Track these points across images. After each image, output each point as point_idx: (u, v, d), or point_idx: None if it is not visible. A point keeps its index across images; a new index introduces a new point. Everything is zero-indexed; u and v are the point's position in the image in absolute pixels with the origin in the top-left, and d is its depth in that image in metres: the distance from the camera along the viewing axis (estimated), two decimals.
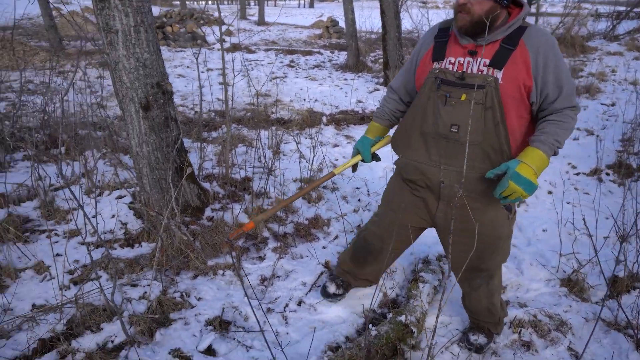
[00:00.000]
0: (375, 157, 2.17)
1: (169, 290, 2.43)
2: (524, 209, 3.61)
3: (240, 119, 5.48)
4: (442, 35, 1.79)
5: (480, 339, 2.20)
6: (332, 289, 2.47)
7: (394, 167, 2.11)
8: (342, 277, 2.48)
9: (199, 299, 2.46)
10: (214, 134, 5.00)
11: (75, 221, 2.35)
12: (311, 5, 39.51)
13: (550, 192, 3.95)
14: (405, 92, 2.04)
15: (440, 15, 14.12)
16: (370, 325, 2.31)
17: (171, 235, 2.65)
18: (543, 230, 3.31)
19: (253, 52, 11.95)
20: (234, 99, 5.34)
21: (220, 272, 2.71)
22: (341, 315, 2.45)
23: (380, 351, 2.13)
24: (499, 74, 1.62)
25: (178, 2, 22.91)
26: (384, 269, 2.43)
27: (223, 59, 3.22)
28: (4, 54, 7.29)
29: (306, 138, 5.05)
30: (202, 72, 9.07)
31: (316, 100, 6.86)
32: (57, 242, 2.74)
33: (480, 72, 1.65)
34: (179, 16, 15.99)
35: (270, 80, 7.99)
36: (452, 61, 1.72)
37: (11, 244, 2.58)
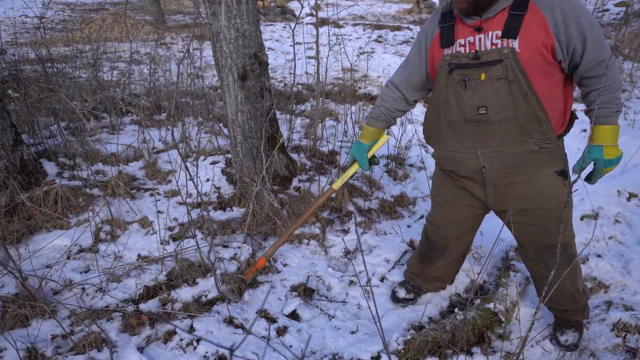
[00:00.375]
0: (373, 161, 2.10)
1: (257, 254, 2.53)
2: (635, 203, 3.26)
3: (328, 93, 5.49)
4: (447, 19, 1.69)
5: (570, 337, 2.03)
6: (402, 293, 2.34)
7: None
8: (411, 282, 2.36)
9: (284, 265, 2.54)
10: (302, 107, 5.06)
11: (177, 182, 2.51)
12: None
13: None
14: (408, 86, 1.92)
15: None
16: (456, 309, 2.25)
17: (261, 202, 2.74)
18: None
19: (341, 26, 11.84)
20: (322, 73, 5.36)
21: (305, 241, 2.77)
22: (426, 296, 2.40)
23: (465, 336, 2.07)
24: (514, 43, 1.52)
25: None
26: (456, 267, 2.30)
27: (317, 33, 3.21)
28: (115, 27, 7.92)
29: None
30: (291, 45, 9.20)
31: None
32: (158, 200, 2.96)
33: (494, 46, 1.56)
34: None
35: (357, 56, 7.89)
36: (462, 43, 1.63)
37: (121, 199, 2.83)
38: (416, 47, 1.84)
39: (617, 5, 11.45)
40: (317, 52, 3.26)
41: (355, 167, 2.08)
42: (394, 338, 2.06)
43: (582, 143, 4.24)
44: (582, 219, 2.99)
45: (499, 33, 1.55)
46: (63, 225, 2.64)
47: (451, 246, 2.13)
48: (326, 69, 4.55)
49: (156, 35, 7.38)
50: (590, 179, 1.68)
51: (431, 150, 3.41)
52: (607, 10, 11.07)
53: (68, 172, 3.05)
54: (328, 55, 4.42)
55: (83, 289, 2.19)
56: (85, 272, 2.34)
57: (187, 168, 1.83)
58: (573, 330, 2.04)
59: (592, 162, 1.63)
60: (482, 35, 1.58)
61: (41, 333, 1.90)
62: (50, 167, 3.01)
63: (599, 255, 2.66)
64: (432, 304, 2.35)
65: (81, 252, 2.45)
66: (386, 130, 2.12)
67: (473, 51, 1.60)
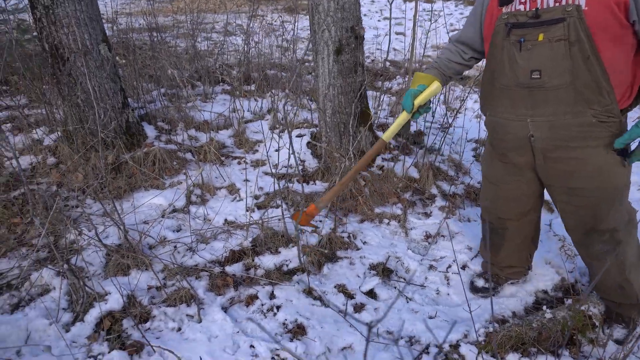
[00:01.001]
0: (424, 109, 1.86)
1: (337, 229, 2.54)
2: None
3: (416, 71, 5.30)
4: None
5: (616, 333, 1.86)
6: (480, 282, 2.23)
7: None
8: (488, 271, 2.24)
9: (364, 243, 2.53)
10: (388, 84, 4.94)
11: (267, 153, 2.57)
12: None
13: None
14: (463, 41, 1.80)
15: None
16: (544, 307, 2.11)
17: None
18: None
19: (432, 1, 11.32)
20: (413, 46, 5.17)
21: (386, 221, 2.73)
22: (510, 290, 2.28)
23: (553, 336, 1.94)
24: (580, 1, 1.39)
25: None
26: (527, 251, 2.13)
27: (416, 7, 3.07)
28: None
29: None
30: (379, 20, 8.97)
31: None
32: (245, 168, 3.06)
33: (557, 3, 1.43)
34: None
35: (447, 33, 7.52)
36: (523, 0, 1.50)
37: (212, 165, 2.97)
38: (475, 6, 1.75)
39: None
40: (414, 26, 3.13)
41: (403, 116, 1.88)
42: (475, 328, 1.98)
43: None
44: None
45: None
46: (159, 186, 2.82)
47: (510, 228, 1.99)
48: (414, 45, 4.37)
49: (248, 7, 7.55)
50: (629, 157, 1.52)
51: None
52: None
53: (165, 136, 3.24)
54: (420, 35, 4.24)
55: (175, 246, 2.34)
56: (177, 231, 2.49)
57: (291, 138, 1.85)
58: (622, 326, 1.87)
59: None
60: None
61: (139, 283, 2.06)
62: (150, 130, 3.23)
63: None
64: (516, 298, 2.23)
65: (174, 212, 2.61)
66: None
67: (534, 9, 1.48)
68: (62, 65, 2.74)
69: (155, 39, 4.37)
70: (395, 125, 1.89)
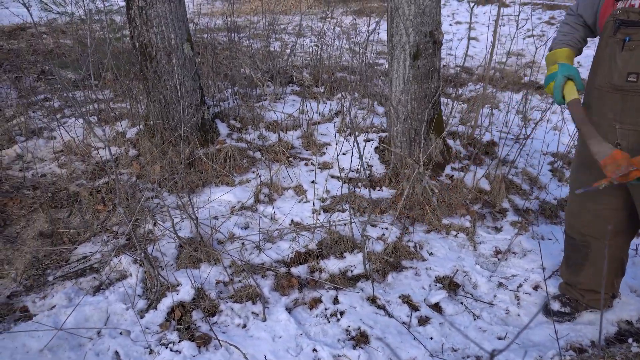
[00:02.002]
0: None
1: (403, 238, 2.49)
2: None
3: (490, 79, 5.10)
4: None
5: None
6: (556, 306, 2.08)
7: None
8: (567, 294, 2.08)
9: (430, 254, 2.46)
10: (459, 91, 4.79)
11: (337, 156, 2.56)
12: None
13: None
14: (590, 25, 1.64)
15: None
16: (629, 340, 1.94)
17: (414, 186, 2.68)
18: None
19: (507, 5, 10.84)
20: (493, 52, 4.98)
21: (454, 232, 2.64)
22: (588, 317, 2.12)
23: None
24: None
25: None
26: (613, 276, 1.95)
27: (499, 12, 2.94)
28: (282, 0, 8.39)
29: (564, 108, 4.39)
30: (450, 24, 8.73)
31: (580, 65, 5.86)
32: (312, 170, 3.08)
33: None
34: None
35: (523, 39, 7.16)
36: None
37: (280, 165, 3.02)
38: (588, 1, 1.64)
39: None
40: (496, 31, 3.00)
41: (571, 87, 1.60)
42: (549, 355, 1.87)
43: None
44: None
45: None
46: (229, 182, 2.91)
47: (594, 247, 1.85)
48: (494, 51, 4.21)
49: (319, 9, 7.62)
50: None
51: None
52: None
53: (236, 134, 3.34)
54: (492, 41, 4.06)
55: (243, 243, 2.40)
56: (245, 228, 2.56)
57: (356, 142, 1.84)
58: None
59: None
60: None
61: (209, 277, 2.14)
62: (222, 128, 3.34)
63: None
64: (595, 326, 2.07)
65: (243, 209, 2.68)
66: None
67: None
68: (149, 62, 2.90)
69: (233, 39, 4.52)
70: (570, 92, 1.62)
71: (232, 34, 4.49)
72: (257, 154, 3.19)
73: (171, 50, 2.89)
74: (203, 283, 2.08)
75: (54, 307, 1.97)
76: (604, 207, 1.76)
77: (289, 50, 4.88)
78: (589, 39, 1.74)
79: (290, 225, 2.57)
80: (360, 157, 2.13)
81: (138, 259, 2.07)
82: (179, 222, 2.42)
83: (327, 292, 2.11)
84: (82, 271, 2.20)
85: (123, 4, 2.86)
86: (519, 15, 3.59)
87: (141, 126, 3.19)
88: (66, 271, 2.17)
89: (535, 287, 2.32)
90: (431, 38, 2.64)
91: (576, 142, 3.26)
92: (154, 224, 2.39)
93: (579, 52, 1.73)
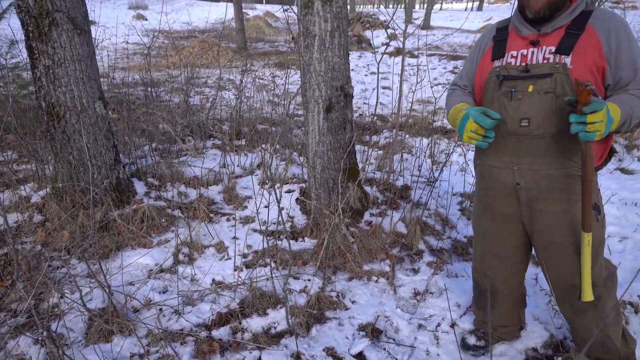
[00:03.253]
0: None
1: (326, 288, 2.52)
2: None
3: (403, 125, 5.45)
4: (501, 34, 1.72)
5: None
6: (472, 340, 2.21)
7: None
8: (481, 328, 2.23)
9: (353, 302, 2.50)
10: (375, 138, 5.06)
11: (257, 208, 2.58)
12: (479, 8, 37.44)
13: None
14: (470, 90, 1.87)
15: (638, 14, 12.09)
16: None
17: (334, 235, 2.75)
18: None
19: (416, 56, 11.82)
20: (400, 102, 5.35)
21: (375, 278, 2.72)
22: (500, 348, 2.25)
23: None
24: (567, 60, 1.53)
25: (348, 7, 23.85)
26: (518, 310, 2.14)
27: (403, 63, 3.21)
28: (202, 54, 8.49)
29: (469, 150, 4.79)
30: (366, 75, 9.30)
31: None
32: (234, 225, 3.06)
33: (546, 61, 1.57)
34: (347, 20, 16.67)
35: (432, 87, 7.80)
36: (515, 55, 1.64)
37: (200, 222, 2.97)
38: (469, 61, 1.85)
39: None
40: (401, 84, 3.26)
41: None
42: None
43: (619, 182, 3.88)
44: None
45: (553, 49, 1.57)
46: (146, 244, 2.80)
47: (499, 289, 2.00)
48: (401, 101, 4.54)
49: (239, 62, 7.80)
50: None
51: None
52: None
53: (155, 192, 3.26)
54: (403, 90, 4.40)
55: (161, 309, 2.29)
56: (164, 292, 2.46)
57: (275, 194, 1.87)
58: None
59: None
60: (535, 49, 1.60)
61: (122, 350, 2.01)
62: (140, 187, 3.24)
63: None
64: (507, 357, 2.20)
65: (161, 272, 2.58)
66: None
67: (524, 64, 1.61)
68: (57, 122, 2.79)
69: (149, 94, 4.47)
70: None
71: (149, 89, 4.45)
72: (177, 212, 3.12)
73: (82, 109, 2.81)
74: (115, 358, 1.95)
75: None
76: (504, 248, 1.90)
77: (209, 104, 4.91)
78: None
79: (211, 285, 2.51)
80: (279, 210, 2.16)
81: (39, 338, 1.90)
82: (88, 292, 2.28)
83: (250, 352, 2.07)
84: None
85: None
86: (427, 65, 3.91)
87: (48, 189, 3.01)
88: None
89: (452, 325, 2.43)
90: (342, 92, 2.81)
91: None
92: (60, 297, 2.23)
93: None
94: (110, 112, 4.21)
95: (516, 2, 1.71)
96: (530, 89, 1.58)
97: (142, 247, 2.78)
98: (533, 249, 1.89)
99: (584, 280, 1.66)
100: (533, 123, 1.60)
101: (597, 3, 7.84)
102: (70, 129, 2.81)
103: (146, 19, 22.60)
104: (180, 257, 2.70)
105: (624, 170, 4.35)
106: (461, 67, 1.98)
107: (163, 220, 3.00)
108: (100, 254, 2.64)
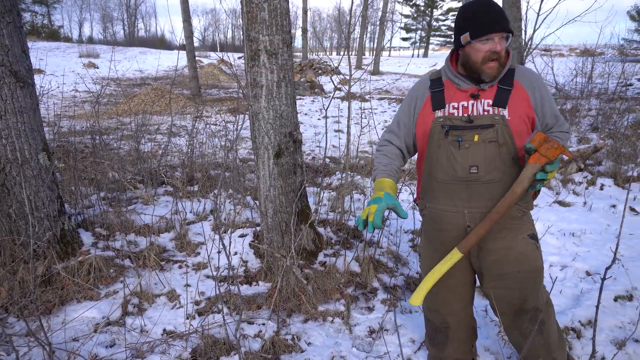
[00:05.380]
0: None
1: (281, 332, 2.50)
2: None
3: (354, 167, 5.62)
4: (436, 85, 1.85)
5: None
6: None
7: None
8: None
9: (308, 344, 2.49)
10: (328, 180, 5.18)
11: (209, 255, 2.57)
12: (425, 55, 39.82)
13: None
14: (407, 146, 1.96)
15: (564, 62, 13.27)
16: None
17: (288, 278, 2.76)
18: None
19: (366, 100, 12.32)
20: (348, 146, 5.54)
21: (330, 318, 2.73)
22: None
23: None
24: (504, 112, 1.71)
25: (300, 54, 24.74)
26: (470, 343, 2.20)
27: (350, 108, 3.37)
28: (156, 101, 8.49)
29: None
30: (319, 119, 9.58)
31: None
32: (187, 272, 3.01)
33: (486, 113, 1.73)
34: (300, 67, 17.27)
35: (382, 129, 8.13)
36: (456, 106, 1.77)
37: (151, 271, 2.90)
38: (406, 111, 1.92)
39: None
40: (349, 127, 3.41)
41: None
42: None
43: (610, 219, 4.15)
44: (615, 299, 2.86)
45: (490, 102, 1.73)
46: (93, 297, 2.70)
47: (452, 325, 2.07)
48: (354, 143, 4.71)
49: (193, 108, 7.85)
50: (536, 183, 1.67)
51: None
52: (631, 84, 11.21)
53: (102, 243, 3.16)
54: (355, 132, 4.59)
55: None
56: (111, 346, 2.36)
57: (221, 240, 1.88)
58: None
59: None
60: (475, 102, 1.75)
61: None
62: (86, 237, 3.14)
63: (637, 340, 2.52)
64: None
65: (108, 325, 2.48)
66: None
67: (466, 115, 1.75)
68: None
69: (97, 142, 4.41)
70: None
71: (97, 137, 4.39)
72: (127, 262, 3.03)
73: (23, 161, 2.74)
74: None
75: None
76: (456, 284, 1.97)
77: (161, 151, 4.89)
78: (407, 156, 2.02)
79: (162, 335, 2.43)
80: (227, 256, 2.17)
81: None
82: (26, 352, 2.15)
83: None
84: None
85: None
86: (353, 112, 4.11)
87: None
88: None
89: None
90: (291, 138, 2.91)
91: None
92: None
93: (397, 180, 1.99)
94: (55, 162, 4.11)
95: (448, 59, 1.85)
96: (476, 138, 1.72)
97: (88, 300, 2.67)
98: (478, 282, 1.99)
99: (423, 285, 1.79)
100: (481, 169, 1.73)
101: (526, 51, 8.61)
102: (10, 181, 2.72)
103: (97, 67, 22.43)
104: (130, 308, 2.61)
105: (561, 203, 4.65)
106: (394, 117, 2.10)
107: (111, 270, 2.91)
108: (42, 310, 2.51)
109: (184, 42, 11.99)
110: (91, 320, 2.51)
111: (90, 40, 53.96)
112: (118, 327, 2.47)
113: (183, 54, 13.03)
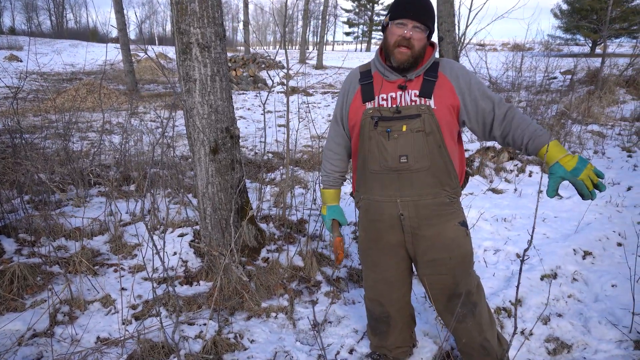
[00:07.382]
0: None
1: (223, 331, 2.46)
2: (590, 261, 3.37)
3: (298, 161, 5.61)
4: (366, 78, 1.90)
5: None
6: None
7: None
8: (377, 351, 2.34)
9: (251, 342, 2.47)
10: (271, 175, 5.14)
11: (144, 257, 2.47)
12: (368, 49, 40.49)
13: (620, 244, 3.68)
14: (346, 146, 2.08)
15: (497, 57, 13.97)
16: None
17: (229, 276, 2.71)
18: (612, 286, 3.06)
19: (310, 95, 12.34)
20: (292, 141, 5.51)
21: (273, 314, 2.71)
22: None
23: None
24: (430, 102, 1.76)
25: (242, 48, 24.32)
26: (411, 330, 2.30)
27: (288, 104, 3.35)
28: (88, 97, 8.02)
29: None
30: (262, 114, 9.48)
31: None
32: (123, 276, 2.88)
33: (413, 103, 1.78)
34: (242, 61, 16.98)
35: (326, 123, 8.17)
36: (385, 97, 1.82)
37: (83, 276, 2.75)
38: (339, 105, 2.01)
39: (563, 73, 12.45)
40: (288, 122, 3.39)
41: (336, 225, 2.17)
42: None
43: (490, 201, 4.42)
44: (542, 278, 3.06)
45: (417, 92, 1.78)
46: (17, 307, 2.52)
47: (392, 314, 2.13)
48: (296, 138, 4.70)
49: (129, 104, 7.50)
50: (583, 195, 1.71)
51: None
52: (555, 77, 12.00)
53: (28, 249, 2.96)
54: (298, 127, 4.58)
55: None
56: (38, 359, 2.21)
57: (153, 241, 1.81)
58: None
59: (564, 180, 1.72)
60: (403, 92, 1.80)
61: None
62: (8, 244, 2.92)
63: (559, 315, 2.71)
64: None
65: (35, 337, 2.32)
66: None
67: (394, 105, 1.79)
68: None
69: (17, 142, 4.10)
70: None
71: (18, 136, 4.08)
72: (55, 268, 2.85)
73: None
74: None
75: None
76: (394, 273, 2.02)
77: (94, 150, 4.63)
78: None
79: (95, 343, 2.31)
80: (160, 257, 2.10)
81: None
82: None
83: None
84: None
85: None
86: (298, 106, 4.11)
87: None
88: None
89: (351, 351, 2.50)
90: (228, 133, 2.85)
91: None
92: None
93: (341, 184, 2.17)
94: None
95: (378, 51, 1.90)
96: (404, 128, 1.76)
97: (12, 312, 2.48)
98: (415, 270, 2.06)
99: None
100: (411, 158, 1.78)
101: (460, 45, 8.96)
102: None
103: (21, 60, 20.85)
104: (59, 317, 2.45)
105: (494, 191, 4.90)
106: (333, 112, 2.16)
107: (38, 278, 2.72)
108: None
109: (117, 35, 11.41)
110: (15, 333, 2.34)
111: (12, 31, 49.99)
112: (46, 338, 2.32)
113: (114, 46, 12.41)
